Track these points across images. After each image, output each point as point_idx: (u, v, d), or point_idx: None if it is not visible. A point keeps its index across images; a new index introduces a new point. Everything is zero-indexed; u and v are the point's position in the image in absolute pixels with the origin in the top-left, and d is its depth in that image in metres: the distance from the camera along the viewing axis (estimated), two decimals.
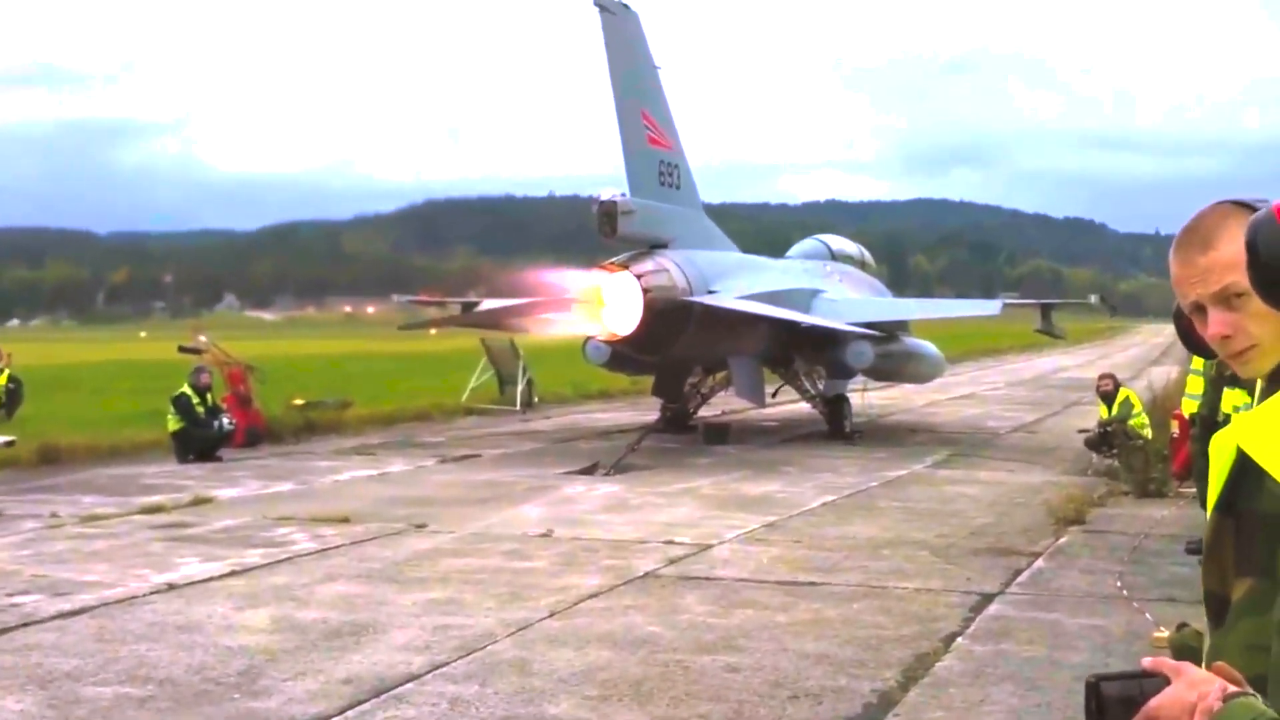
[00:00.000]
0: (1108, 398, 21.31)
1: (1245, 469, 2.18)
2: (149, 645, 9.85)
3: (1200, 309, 2.65)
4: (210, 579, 12.30)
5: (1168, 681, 1.96)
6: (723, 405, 30.33)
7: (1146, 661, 2.03)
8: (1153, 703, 1.97)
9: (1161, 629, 9.52)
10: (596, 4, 23.75)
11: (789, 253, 31.77)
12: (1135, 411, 20.80)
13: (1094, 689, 2.02)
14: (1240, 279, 2.38)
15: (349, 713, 8.26)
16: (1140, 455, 19.17)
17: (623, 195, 23.33)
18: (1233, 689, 1.92)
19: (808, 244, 32.00)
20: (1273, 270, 2.21)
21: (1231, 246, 2.42)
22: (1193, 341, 2.76)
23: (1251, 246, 2.24)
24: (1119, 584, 11.89)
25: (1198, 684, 1.94)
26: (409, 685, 8.84)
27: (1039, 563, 13.22)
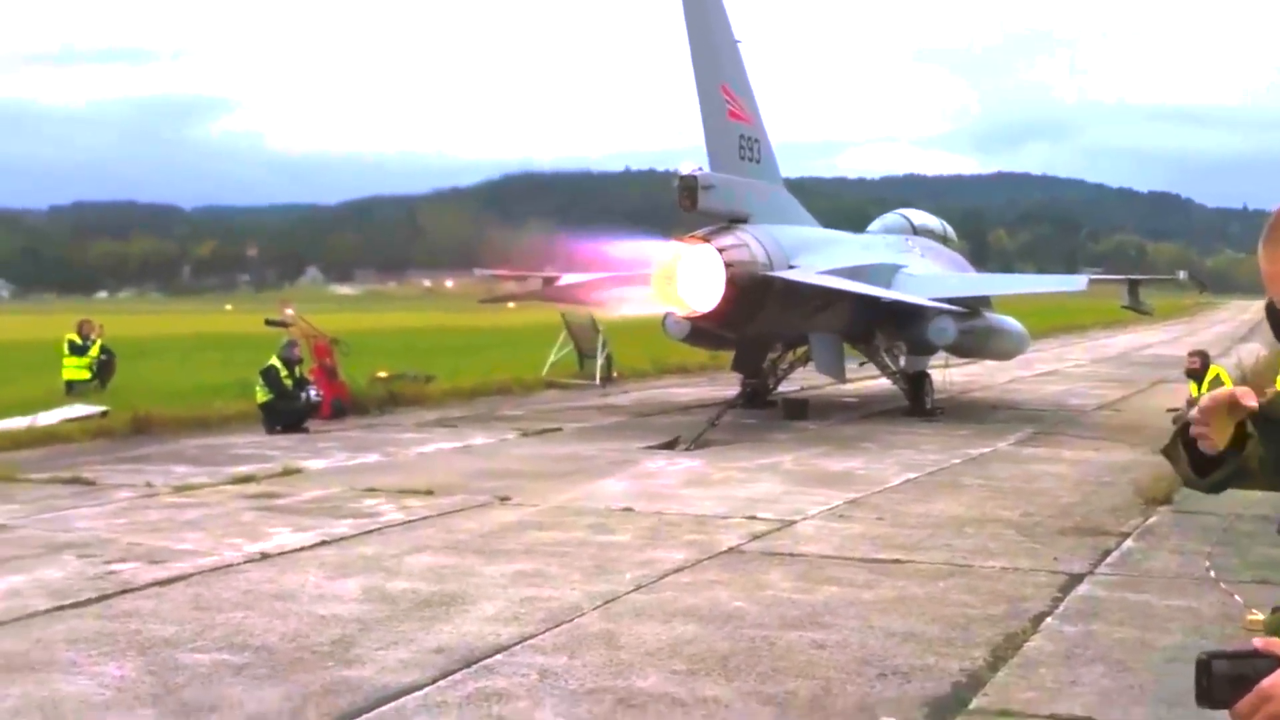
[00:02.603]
0: (1196, 375, 21.02)
1: None
2: (244, 613, 10.06)
3: None
4: (301, 549, 12.52)
5: (1279, 662, 1.94)
6: (802, 380, 30.25)
7: (1258, 641, 2.00)
8: (1266, 683, 1.94)
9: (1255, 611, 9.38)
10: None
11: (870, 227, 31.53)
12: None
13: (1205, 666, 2.01)
14: None
15: (441, 682, 8.38)
16: None
17: (703, 169, 23.29)
18: None
19: (889, 218, 31.73)
20: None
21: None
22: None
23: None
24: (1208, 565, 11.74)
25: None
26: (499, 656, 8.96)
27: (1128, 543, 13.08)
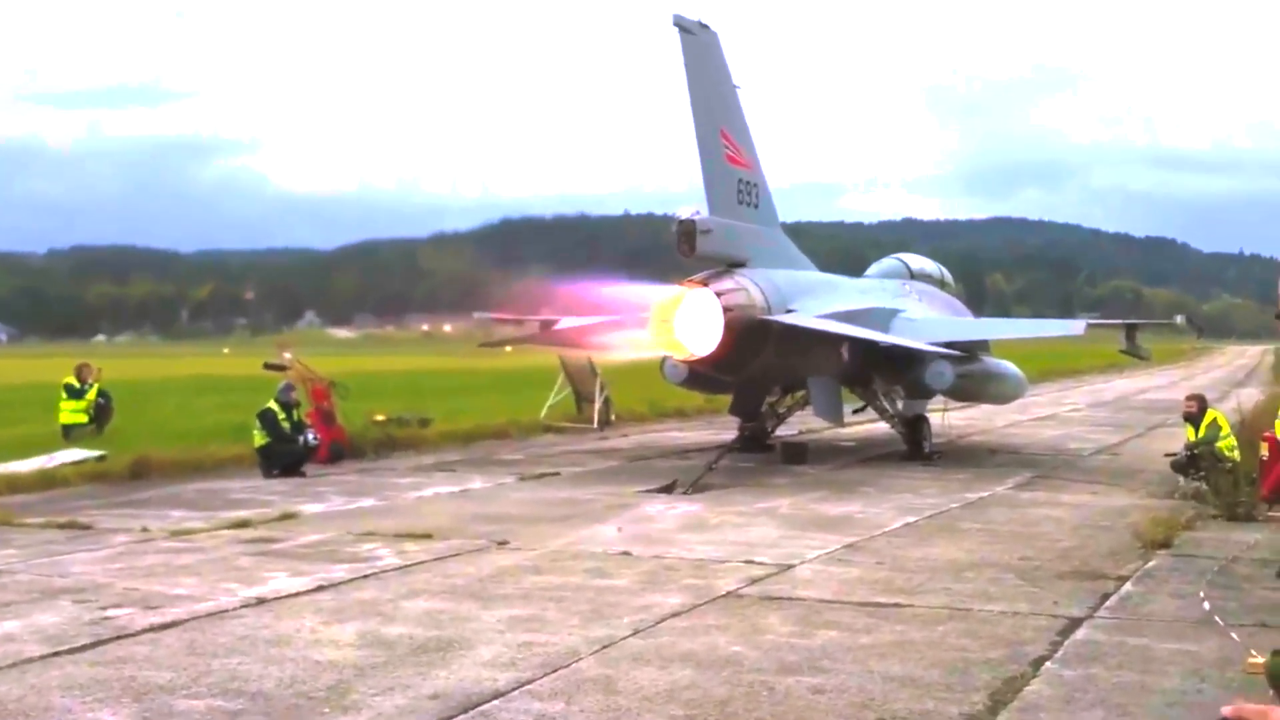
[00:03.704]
0: (1193, 419, 20.99)
1: None
2: (239, 659, 10.00)
3: None
4: (298, 594, 12.47)
5: None
6: (800, 424, 30.23)
7: (1227, 710, 1.93)
8: None
9: (1255, 654, 9.32)
10: (676, 24, 23.84)
11: (868, 271, 31.61)
12: (1223, 434, 20.47)
13: None
14: None
15: None
16: (1228, 478, 18.85)
17: (701, 214, 23.37)
18: None
19: (887, 263, 31.81)
20: None
21: None
22: None
23: None
24: (1206, 606, 11.70)
25: None
26: (496, 702, 8.90)
27: (1127, 586, 13.04)
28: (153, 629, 10.96)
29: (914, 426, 26.84)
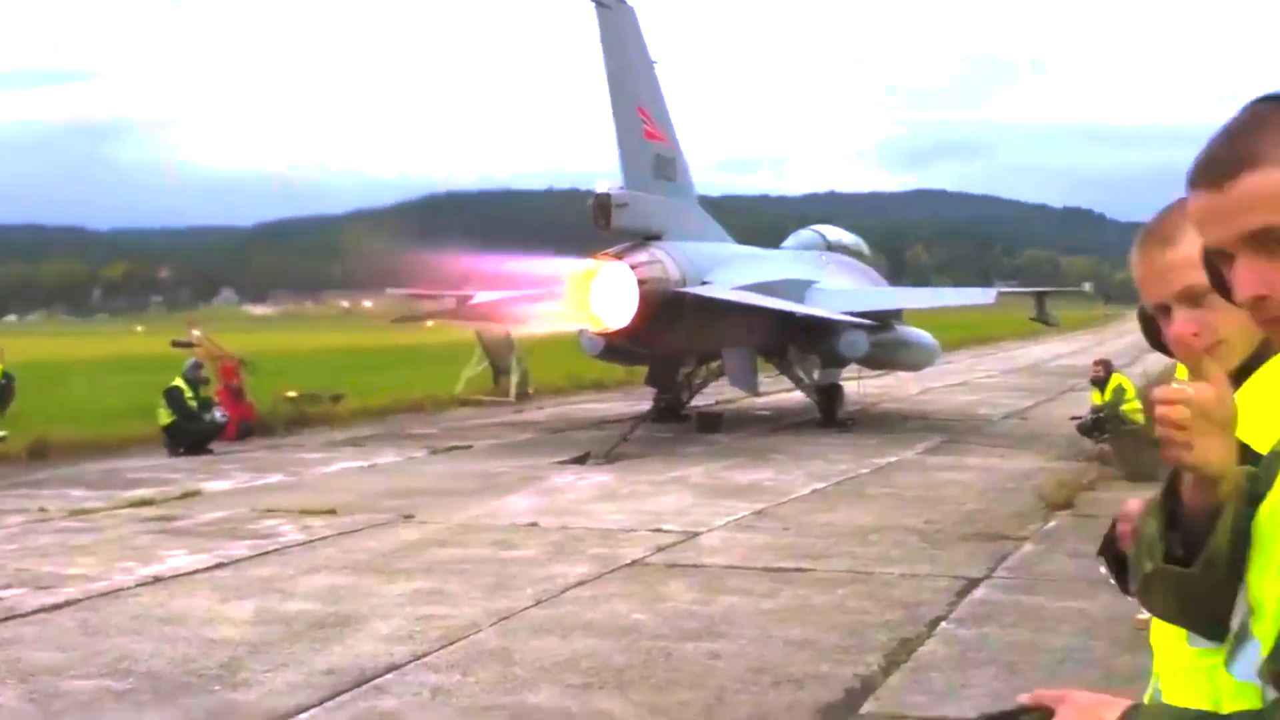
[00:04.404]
0: (1100, 383, 21.29)
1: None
2: (132, 638, 9.82)
3: (1165, 309, 2.58)
4: (195, 571, 12.27)
5: (1051, 713, 1.86)
6: (716, 394, 30.30)
7: (1024, 697, 1.92)
8: None
9: (1144, 612, 9.47)
10: None
11: (784, 243, 31.75)
12: (1128, 397, 20.76)
13: None
14: (1203, 277, 2.18)
15: (329, 703, 8.23)
16: (1132, 440, 19.13)
17: (619, 188, 23.40)
18: (1127, 702, 1.83)
19: (803, 234, 31.98)
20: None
21: (1193, 244, 2.27)
22: (1156, 341, 2.64)
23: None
24: (1103, 569, 11.84)
25: (1089, 708, 1.79)
26: (390, 675, 8.82)
27: (1026, 547, 13.20)
28: (44, 610, 10.73)
29: (829, 395, 26.99)
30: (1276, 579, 1.71)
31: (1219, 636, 1.88)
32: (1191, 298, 2.50)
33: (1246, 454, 2.01)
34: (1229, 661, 1.76)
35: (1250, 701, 1.68)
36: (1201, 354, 1.92)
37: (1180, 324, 2.48)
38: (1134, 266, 2.58)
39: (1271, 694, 1.65)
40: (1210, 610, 1.95)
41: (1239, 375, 2.56)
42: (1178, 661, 2.43)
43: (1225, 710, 1.77)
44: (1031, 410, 29.63)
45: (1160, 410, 1.90)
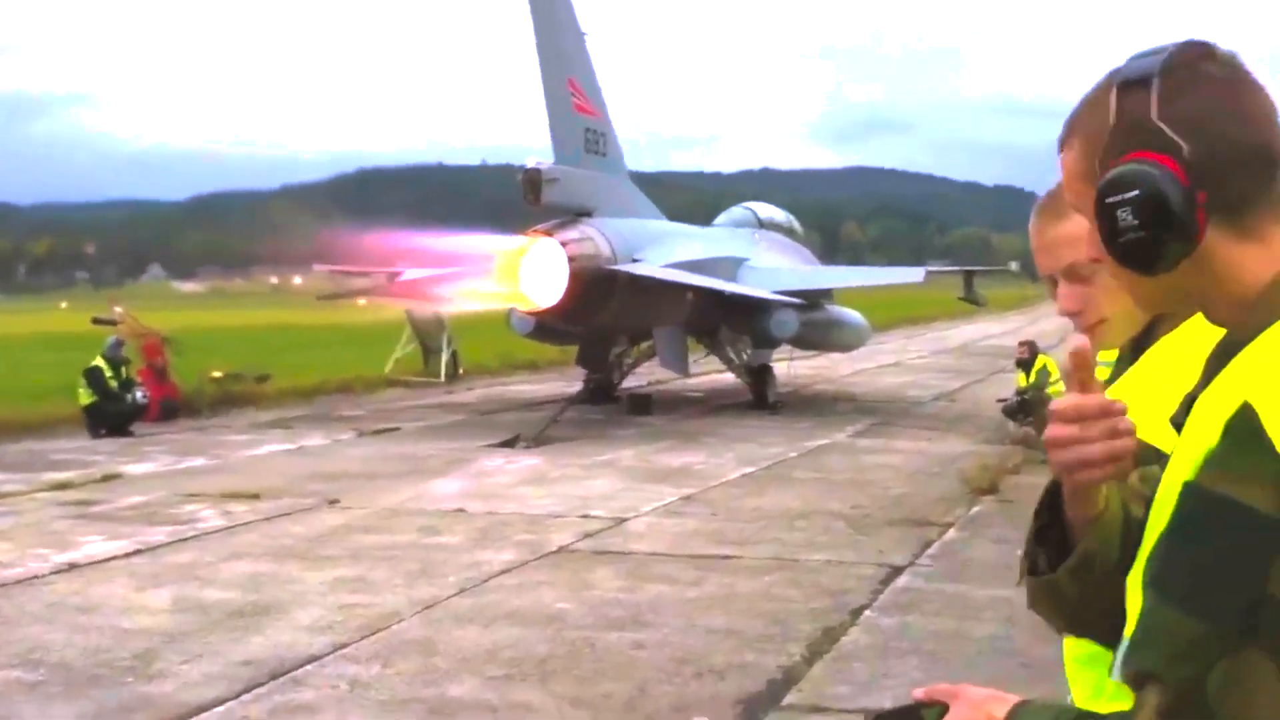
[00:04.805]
0: (1025, 365, 21.45)
1: None
2: (44, 627, 9.63)
3: (1054, 281, 2.55)
4: (113, 558, 12.05)
5: (945, 708, 1.85)
6: (649, 375, 30.26)
7: (919, 692, 1.91)
8: None
9: None
10: None
11: (717, 220, 31.69)
12: (1053, 379, 20.92)
13: None
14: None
15: (244, 696, 8.10)
16: None
17: (549, 163, 23.19)
18: (1016, 698, 1.82)
19: (736, 212, 31.92)
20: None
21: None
22: None
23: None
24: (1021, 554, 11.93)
25: (981, 703, 1.80)
26: (309, 667, 8.69)
27: (950, 533, 13.26)
28: None
29: (759, 376, 27.01)
30: (1137, 579, 1.69)
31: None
32: (1076, 274, 2.46)
33: (1144, 449, 1.97)
34: (1112, 664, 1.74)
35: (1125, 702, 1.67)
36: (1080, 371, 1.88)
37: (1064, 299, 2.44)
38: (1030, 237, 2.55)
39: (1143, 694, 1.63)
40: (1093, 621, 1.96)
41: (1131, 355, 2.52)
42: (1074, 654, 2.43)
43: (1103, 710, 1.76)
44: (960, 392, 29.85)
45: (1052, 433, 1.86)
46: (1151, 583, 1.65)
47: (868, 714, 2.03)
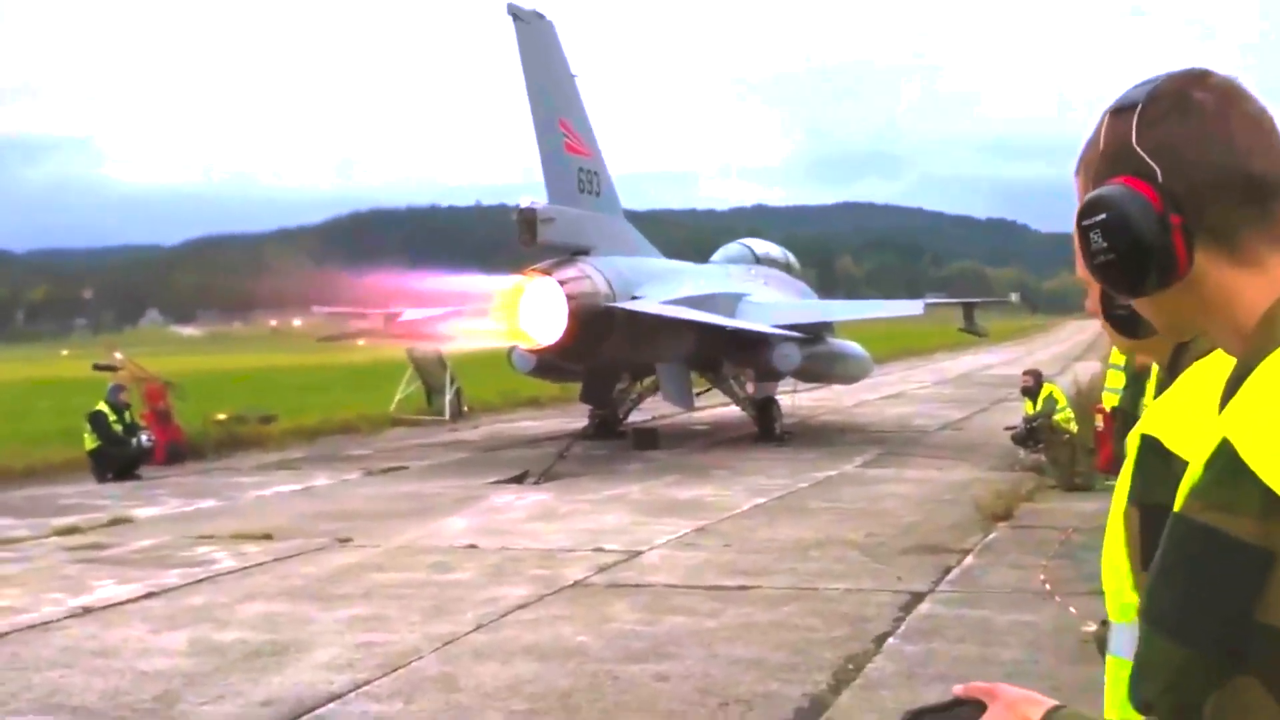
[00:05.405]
0: (1030, 393, 21.48)
1: (1151, 455, 2.01)
2: (62, 671, 9.54)
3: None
4: (127, 601, 11.96)
5: (984, 707, 1.86)
6: (653, 410, 30.23)
7: (958, 689, 1.91)
8: None
9: (1090, 623, 9.49)
10: (510, 12, 23.62)
11: (713, 257, 31.73)
12: (1059, 406, 20.95)
13: None
14: None
15: None
16: (1066, 450, 19.29)
17: (543, 203, 23.24)
18: (1052, 703, 1.81)
19: (731, 248, 31.98)
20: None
21: None
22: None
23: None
24: (1043, 579, 11.89)
25: (1016, 704, 1.82)
26: (331, 705, 8.62)
27: (968, 559, 13.21)
28: None
29: (764, 409, 27.01)
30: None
31: None
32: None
33: (1168, 459, 1.94)
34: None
35: None
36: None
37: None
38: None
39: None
40: None
41: (1170, 369, 2.46)
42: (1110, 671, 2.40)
43: None
44: (965, 421, 29.84)
45: None
46: (1144, 613, 1.67)
47: (906, 712, 2.01)
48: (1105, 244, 1.75)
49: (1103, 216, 1.74)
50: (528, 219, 22.55)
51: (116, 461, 21.85)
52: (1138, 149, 1.75)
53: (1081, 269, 1.85)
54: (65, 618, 11.34)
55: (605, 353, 23.64)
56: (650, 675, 9.16)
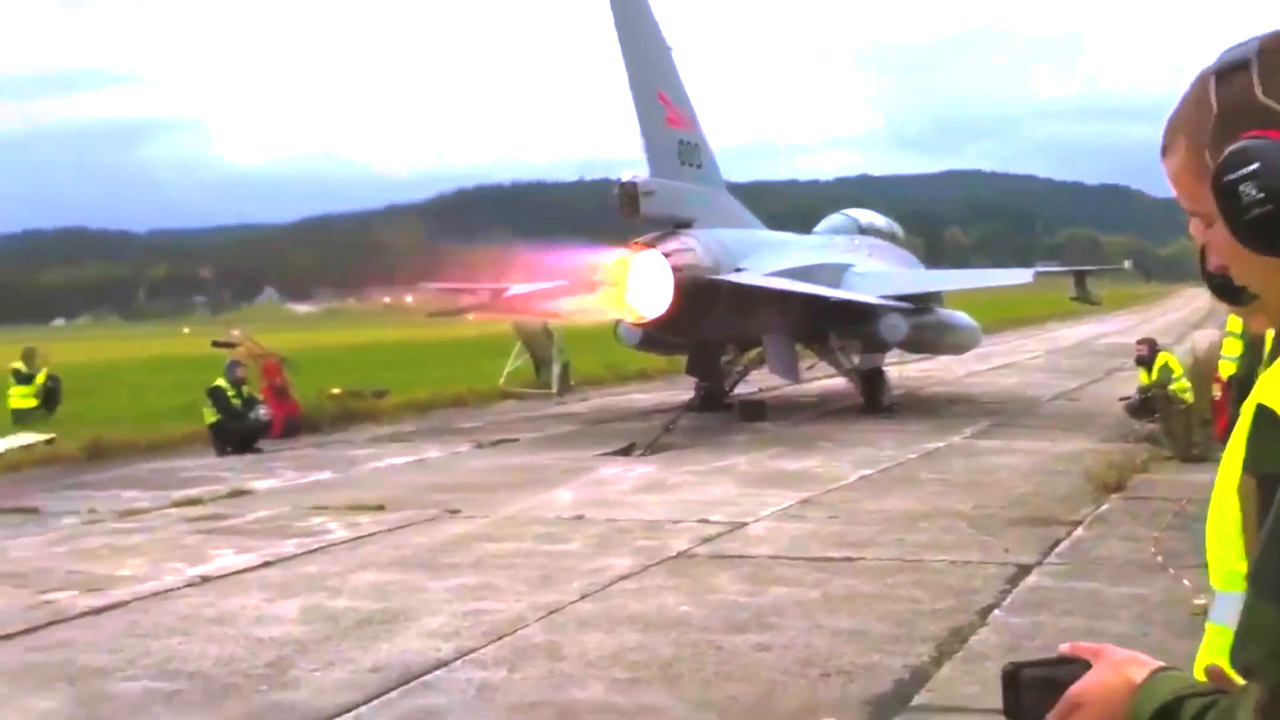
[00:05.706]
0: (1145, 362, 21.06)
1: (1265, 424, 1.94)
2: (180, 639, 9.84)
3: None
4: (243, 570, 12.29)
5: (1088, 666, 1.85)
6: (759, 382, 30.17)
7: (1065, 647, 1.90)
8: (1075, 688, 1.84)
9: (1201, 596, 9.32)
10: None
11: (816, 228, 31.52)
12: (1175, 376, 20.51)
13: (1012, 677, 1.93)
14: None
15: (375, 701, 8.21)
16: (1182, 420, 18.88)
17: (644, 176, 23.25)
18: (1158, 664, 1.80)
19: (835, 219, 31.74)
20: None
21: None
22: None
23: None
24: (1154, 550, 11.68)
25: (1121, 664, 1.82)
26: (438, 672, 8.79)
27: (1078, 531, 13.02)
28: (93, 611, 10.77)
29: (871, 380, 26.79)
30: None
31: None
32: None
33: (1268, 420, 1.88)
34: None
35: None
36: None
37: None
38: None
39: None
40: None
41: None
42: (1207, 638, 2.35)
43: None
44: (1078, 391, 29.32)
45: None
46: (1251, 579, 1.66)
47: (1009, 665, 2.02)
48: (1260, 194, 1.69)
49: (1255, 166, 1.69)
50: (629, 192, 22.58)
51: (235, 435, 22.39)
52: (1265, 100, 1.72)
53: (1197, 230, 1.81)
54: (184, 586, 11.68)
55: (710, 325, 23.64)
56: (752, 645, 9.19)
